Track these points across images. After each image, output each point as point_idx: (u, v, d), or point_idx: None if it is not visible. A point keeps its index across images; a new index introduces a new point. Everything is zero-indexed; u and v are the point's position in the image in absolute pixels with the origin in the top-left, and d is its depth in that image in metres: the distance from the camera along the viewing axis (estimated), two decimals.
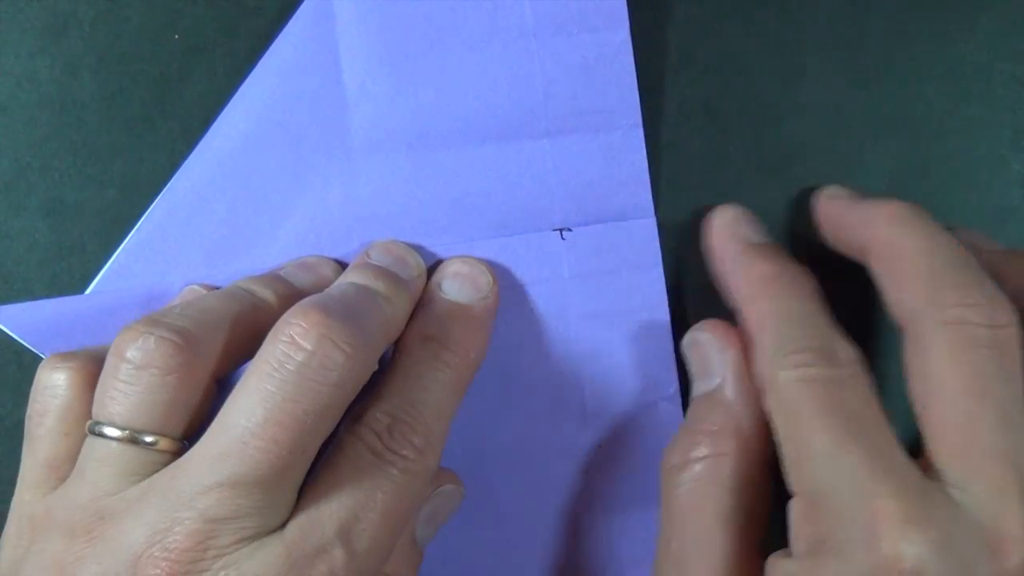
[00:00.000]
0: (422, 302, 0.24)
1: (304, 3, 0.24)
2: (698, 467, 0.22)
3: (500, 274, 0.24)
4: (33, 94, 0.25)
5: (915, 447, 0.22)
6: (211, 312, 0.21)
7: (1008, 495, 0.19)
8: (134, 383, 0.20)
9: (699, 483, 0.22)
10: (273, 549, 0.19)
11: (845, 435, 0.20)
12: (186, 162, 0.24)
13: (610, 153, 0.24)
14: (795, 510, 0.21)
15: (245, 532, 0.19)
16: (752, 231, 0.24)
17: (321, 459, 0.21)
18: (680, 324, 0.25)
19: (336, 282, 0.23)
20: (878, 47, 0.25)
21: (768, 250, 0.24)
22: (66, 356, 0.22)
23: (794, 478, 0.21)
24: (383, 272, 0.23)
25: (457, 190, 0.24)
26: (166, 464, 0.20)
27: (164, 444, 0.20)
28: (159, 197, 0.24)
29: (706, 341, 0.24)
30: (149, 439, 0.20)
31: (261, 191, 0.24)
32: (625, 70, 0.25)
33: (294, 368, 0.19)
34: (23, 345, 0.25)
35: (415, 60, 0.24)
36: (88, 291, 0.24)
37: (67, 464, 0.21)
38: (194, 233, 0.24)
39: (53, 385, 0.21)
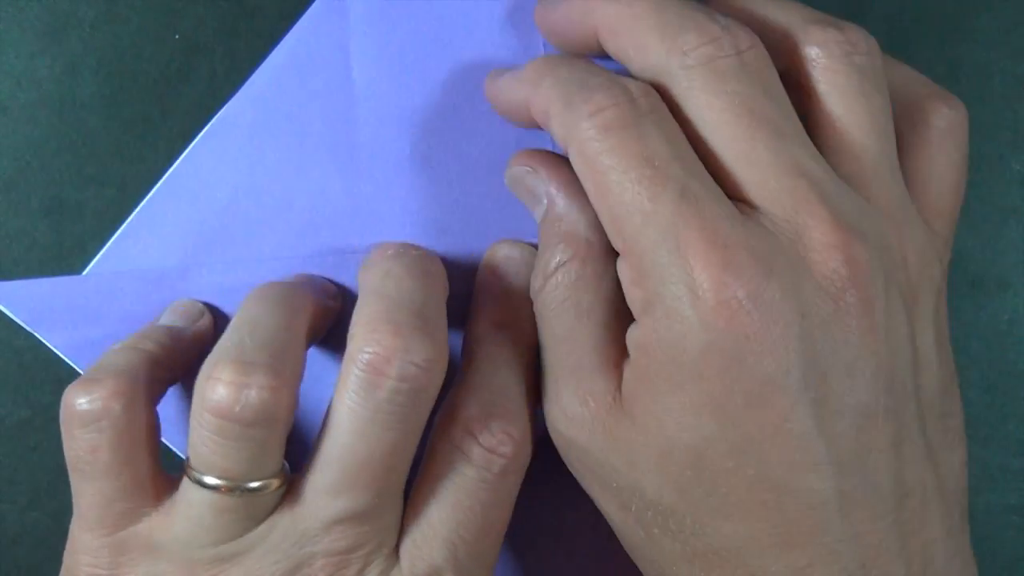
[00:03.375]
0: (483, 287, 0.24)
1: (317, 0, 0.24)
2: (553, 280, 0.22)
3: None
4: (33, 94, 0.25)
5: None
6: (276, 333, 0.21)
7: (807, 203, 0.19)
8: (242, 439, 0.19)
9: (558, 292, 0.22)
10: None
11: (649, 185, 0.19)
12: (190, 148, 0.24)
13: None
14: (621, 272, 0.21)
15: (369, 557, 0.20)
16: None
17: (419, 465, 0.21)
18: None
19: (371, 278, 0.22)
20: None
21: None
22: (91, 383, 0.21)
23: (613, 239, 0.20)
24: (412, 254, 0.22)
25: (459, 192, 0.25)
26: (278, 499, 0.20)
27: (276, 484, 0.20)
28: (161, 181, 0.24)
29: (521, 172, 0.23)
30: (260, 484, 0.20)
31: (264, 180, 0.24)
32: None
33: (386, 397, 0.19)
34: (24, 344, 0.25)
35: (424, 61, 0.24)
36: (86, 272, 0.24)
37: (136, 492, 0.21)
38: (194, 218, 0.24)
39: (94, 420, 0.21)
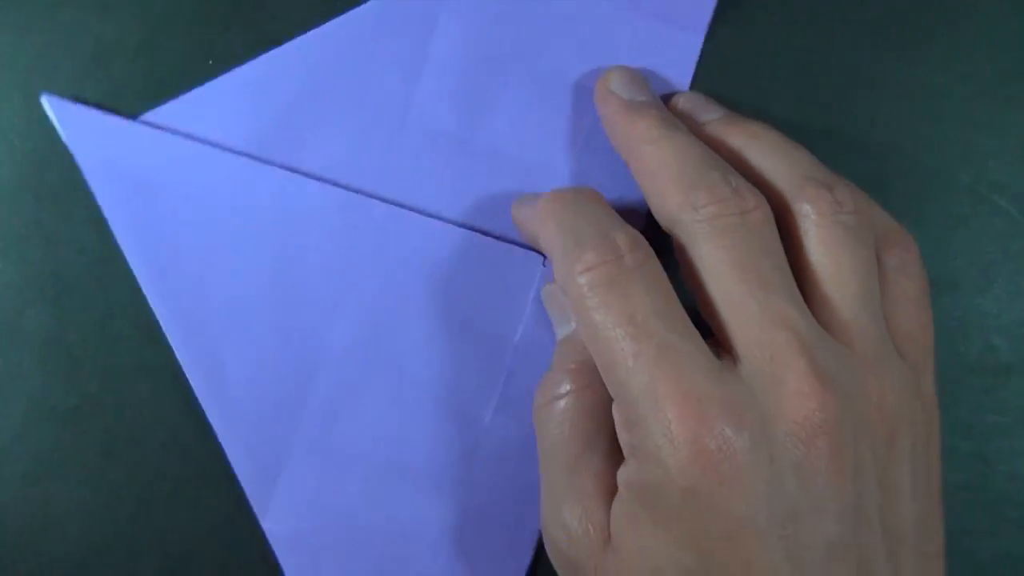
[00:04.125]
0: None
1: None
2: (562, 403, 0.23)
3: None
4: None
5: None
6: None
7: (787, 354, 0.20)
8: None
9: (565, 415, 0.23)
10: None
11: (631, 342, 0.20)
12: (275, 50, 0.25)
13: None
14: (615, 418, 0.21)
15: None
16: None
17: None
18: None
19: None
20: (842, 72, 0.26)
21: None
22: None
23: (608, 387, 0.21)
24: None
25: (487, 180, 0.26)
26: None
27: None
28: (239, 67, 0.25)
29: (556, 292, 0.24)
30: None
31: (328, 99, 0.25)
32: (684, 74, 0.26)
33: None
34: (74, 339, 0.26)
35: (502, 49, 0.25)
36: (141, 118, 0.25)
37: None
38: (253, 111, 0.25)
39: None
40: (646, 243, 0.21)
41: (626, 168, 0.24)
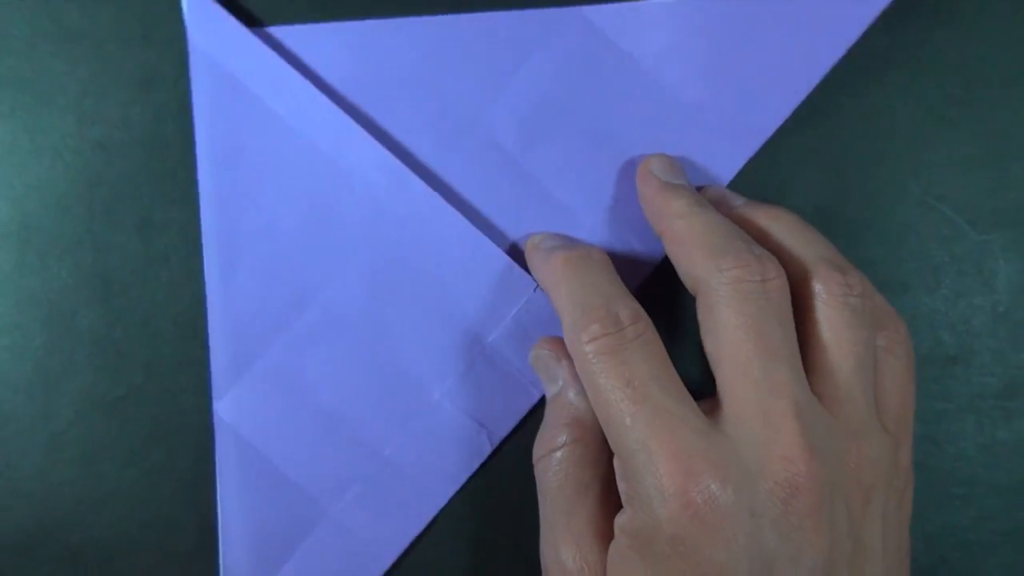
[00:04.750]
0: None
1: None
2: (558, 454, 0.23)
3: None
4: (127, 135, 0.27)
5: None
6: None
7: (780, 420, 0.20)
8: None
9: (561, 466, 0.23)
10: None
11: (629, 404, 0.21)
12: (394, 19, 0.26)
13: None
14: (615, 468, 0.22)
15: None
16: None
17: None
18: (685, 328, 0.28)
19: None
20: (811, 97, 0.27)
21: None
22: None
23: (608, 441, 0.22)
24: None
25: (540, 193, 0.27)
26: None
27: None
28: (361, 21, 0.26)
29: (545, 355, 0.25)
30: None
31: (417, 77, 0.26)
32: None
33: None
34: (121, 336, 0.27)
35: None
36: (267, 28, 0.26)
37: None
38: (354, 62, 0.26)
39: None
40: (646, 315, 0.22)
41: (637, 235, 0.26)
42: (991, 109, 0.28)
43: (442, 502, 0.27)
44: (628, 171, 0.27)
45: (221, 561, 0.27)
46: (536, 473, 0.24)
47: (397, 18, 0.27)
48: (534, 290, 0.27)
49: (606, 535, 0.23)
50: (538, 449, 0.24)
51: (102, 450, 0.27)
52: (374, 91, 0.27)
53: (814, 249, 0.24)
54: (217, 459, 0.27)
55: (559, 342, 0.25)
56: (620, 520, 0.22)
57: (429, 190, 0.26)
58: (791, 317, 0.22)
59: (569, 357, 0.24)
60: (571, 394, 0.24)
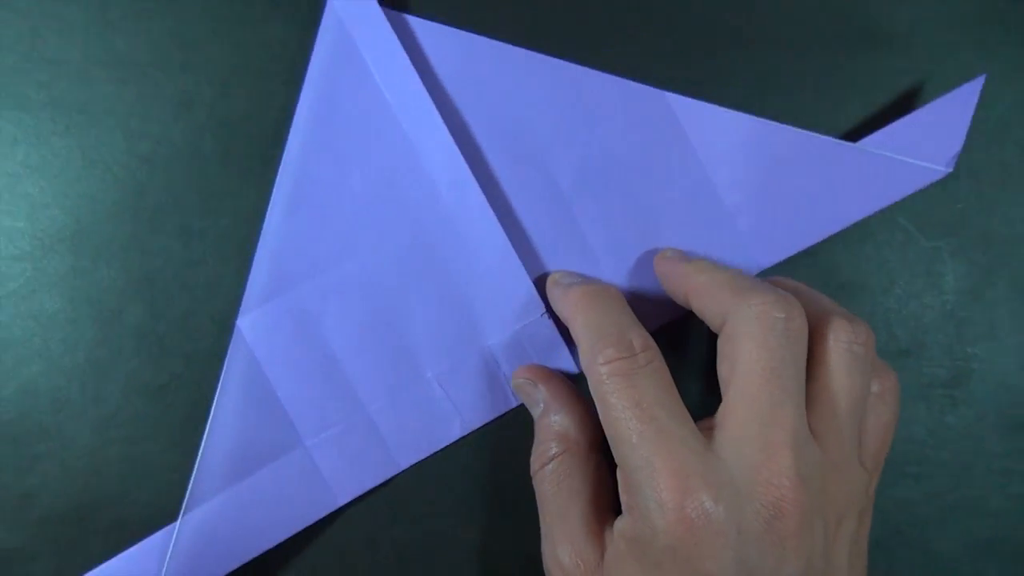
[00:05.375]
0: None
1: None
2: (550, 466, 0.25)
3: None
4: (169, 150, 0.28)
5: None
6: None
7: (777, 449, 0.21)
8: None
9: (554, 475, 0.24)
10: None
11: (636, 424, 0.21)
12: (554, 58, 0.28)
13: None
14: (618, 479, 0.23)
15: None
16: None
17: None
18: (690, 340, 0.29)
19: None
20: (785, 119, 0.29)
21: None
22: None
23: (614, 454, 0.23)
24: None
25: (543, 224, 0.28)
26: None
27: None
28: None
29: (523, 383, 0.26)
30: None
31: (536, 103, 0.28)
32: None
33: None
34: (164, 331, 0.28)
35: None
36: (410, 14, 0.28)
37: None
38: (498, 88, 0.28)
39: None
40: (655, 344, 0.23)
41: (647, 296, 0.27)
42: None
43: (403, 466, 0.29)
44: (654, 241, 0.28)
45: (198, 460, 0.27)
46: (534, 485, 0.25)
47: (506, 43, 0.28)
48: (540, 315, 0.28)
49: (599, 534, 0.24)
50: (533, 464, 0.26)
51: (146, 432, 0.28)
52: (470, 97, 0.28)
53: (827, 304, 0.25)
54: (225, 367, 0.28)
55: (536, 368, 0.27)
56: (620, 526, 0.23)
57: (483, 200, 0.28)
58: (805, 358, 0.23)
59: (546, 380, 0.26)
60: (553, 410, 0.25)
